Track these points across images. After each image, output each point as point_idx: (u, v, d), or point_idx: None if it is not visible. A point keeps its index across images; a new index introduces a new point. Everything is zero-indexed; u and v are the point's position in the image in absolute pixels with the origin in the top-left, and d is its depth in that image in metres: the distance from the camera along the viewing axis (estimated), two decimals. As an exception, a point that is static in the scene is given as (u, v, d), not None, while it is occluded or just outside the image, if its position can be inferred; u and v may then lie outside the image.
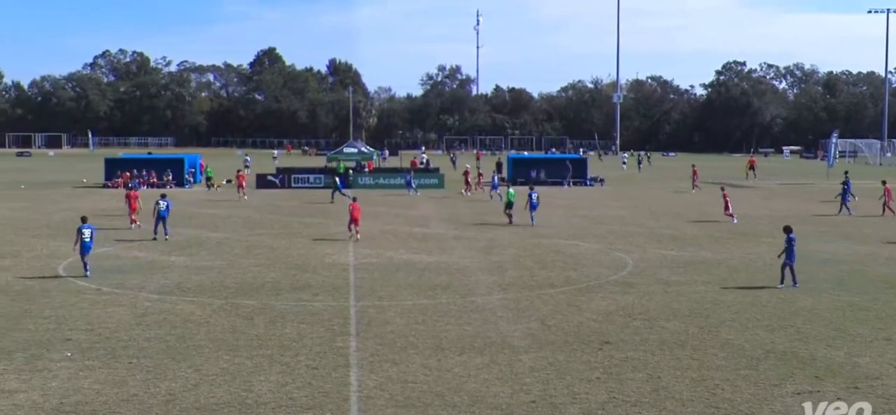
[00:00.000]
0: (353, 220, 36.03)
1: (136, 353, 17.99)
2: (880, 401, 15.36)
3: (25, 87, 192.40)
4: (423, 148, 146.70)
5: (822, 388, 15.78)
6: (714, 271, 28.19)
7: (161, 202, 35.95)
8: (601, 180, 71.93)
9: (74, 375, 16.49)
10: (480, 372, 16.78)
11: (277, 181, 66.08)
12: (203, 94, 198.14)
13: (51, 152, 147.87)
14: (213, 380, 16.19)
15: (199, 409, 14.74)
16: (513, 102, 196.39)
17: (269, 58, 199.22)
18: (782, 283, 25.13)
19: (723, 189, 45.97)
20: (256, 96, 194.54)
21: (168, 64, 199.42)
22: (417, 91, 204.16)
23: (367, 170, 71.04)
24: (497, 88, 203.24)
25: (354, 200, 37.86)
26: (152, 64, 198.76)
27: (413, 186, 61.73)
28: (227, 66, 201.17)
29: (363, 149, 78.03)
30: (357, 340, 19.22)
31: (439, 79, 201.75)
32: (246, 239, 36.32)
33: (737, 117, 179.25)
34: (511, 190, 44.09)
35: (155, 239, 35.21)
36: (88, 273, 26.74)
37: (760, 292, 24.48)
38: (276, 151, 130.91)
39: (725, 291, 24.86)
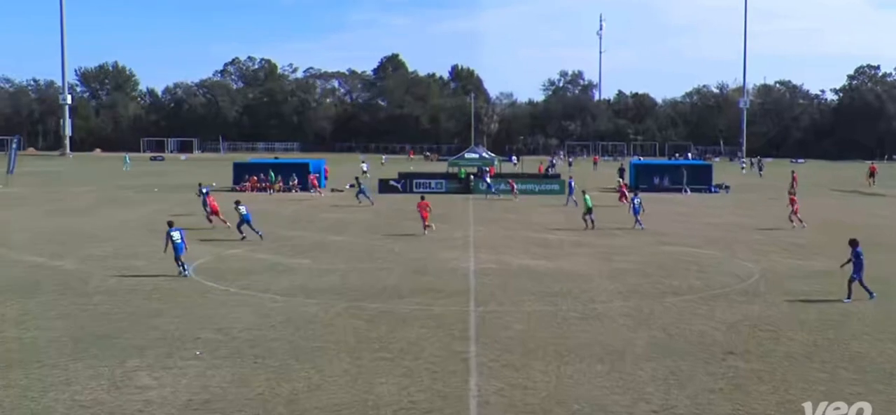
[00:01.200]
0: (424, 217, 39.48)
1: (262, 353, 18.40)
2: (881, 401, 15.00)
3: (159, 93, 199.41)
4: (562, 154, 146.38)
5: (961, 405, 15.12)
6: (844, 282, 27.24)
7: (240, 207, 37.55)
8: (726, 187, 70.40)
9: (203, 373, 16.97)
10: (601, 380, 16.62)
11: (399, 186, 66.74)
12: (328, 100, 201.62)
13: (182, 156, 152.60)
14: (335, 381, 16.44)
15: (321, 409, 14.98)
16: (636, 108, 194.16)
17: (392, 64, 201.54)
18: (849, 297, 24.00)
19: (791, 194, 44.91)
20: (379, 102, 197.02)
21: (294, 71, 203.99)
22: (539, 96, 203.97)
23: (488, 175, 71.06)
24: (620, 94, 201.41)
25: (423, 198, 41.45)
26: (279, 71, 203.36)
27: (493, 189, 62.99)
28: (352, 72, 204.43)
29: (484, 154, 78.08)
30: (477, 345, 19.25)
31: (561, 84, 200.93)
32: (368, 243, 36.80)
33: (870, 123, 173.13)
34: (587, 196, 44.09)
35: (261, 237, 36.59)
36: (187, 272, 27.66)
37: (893, 304, 23.58)
38: (384, 157, 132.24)
39: (856, 302, 24.01)
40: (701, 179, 70.17)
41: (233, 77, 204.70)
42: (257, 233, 36.99)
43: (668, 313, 22.53)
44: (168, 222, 29.17)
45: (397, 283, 26.97)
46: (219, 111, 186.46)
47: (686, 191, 67.04)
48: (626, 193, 54.36)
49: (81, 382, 16.32)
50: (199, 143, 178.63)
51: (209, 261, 31.17)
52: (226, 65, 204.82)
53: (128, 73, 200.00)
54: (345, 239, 37.94)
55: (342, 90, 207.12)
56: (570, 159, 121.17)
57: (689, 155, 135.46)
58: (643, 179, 70.21)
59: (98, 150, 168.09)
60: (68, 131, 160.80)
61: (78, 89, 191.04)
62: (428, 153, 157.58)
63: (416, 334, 20.17)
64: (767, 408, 15.04)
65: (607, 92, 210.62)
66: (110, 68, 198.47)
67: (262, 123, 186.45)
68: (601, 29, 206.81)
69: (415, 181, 68.24)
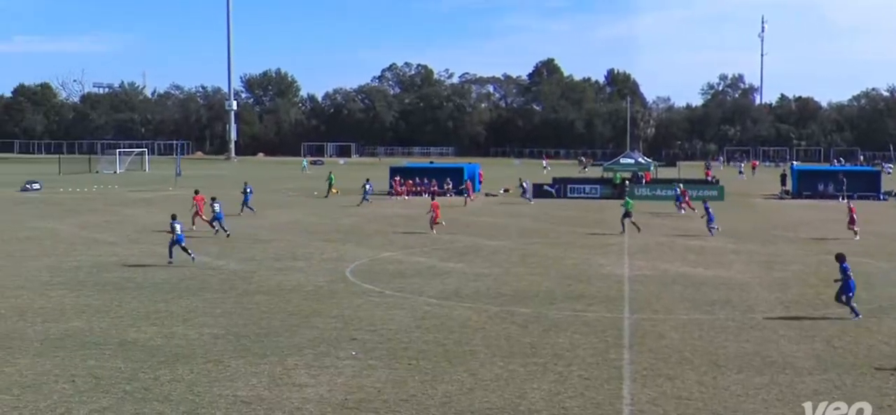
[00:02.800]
0: (435, 217, 41.70)
1: (416, 355, 18.63)
2: (881, 401, 14.93)
3: (319, 99, 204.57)
4: (721, 159, 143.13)
5: None
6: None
7: (215, 205, 40.18)
8: (896, 194, 67.26)
9: (358, 373, 17.29)
10: (759, 392, 16.14)
11: (554, 191, 66.50)
12: (483, 105, 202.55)
13: (341, 161, 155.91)
14: (487, 385, 16.49)
15: (474, 413, 15.05)
16: (799, 112, 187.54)
17: (547, 68, 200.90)
18: (858, 314, 22.24)
19: (850, 201, 42.50)
20: (534, 107, 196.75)
21: (450, 76, 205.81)
22: (697, 101, 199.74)
23: (644, 181, 70.05)
24: (782, 98, 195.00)
25: (434, 199, 45.73)
26: (435, 76, 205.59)
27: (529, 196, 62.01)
28: (507, 77, 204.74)
29: (640, 159, 76.99)
30: (631, 352, 19.00)
31: (720, 88, 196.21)
32: (521, 247, 36.80)
33: None
34: (629, 199, 43.63)
35: (228, 236, 38.78)
36: (194, 257, 31.11)
37: None
38: (545, 162, 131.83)
39: None
40: (868, 186, 67.17)
41: (390, 83, 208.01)
42: (226, 231, 39.29)
43: (832, 326, 21.67)
44: (172, 215, 32.72)
45: (550, 288, 26.88)
46: (376, 116, 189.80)
47: (842, 198, 64.20)
48: (690, 201, 53.31)
49: (243, 378, 16.88)
50: (357, 147, 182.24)
51: (365, 263, 31.79)
52: (383, 71, 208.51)
53: (290, 79, 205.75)
54: (498, 243, 38.04)
55: (497, 95, 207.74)
56: (715, 164, 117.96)
57: (838, 161, 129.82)
58: (806, 186, 67.91)
59: (261, 154, 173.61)
60: (233, 136, 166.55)
61: (243, 96, 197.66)
62: (582, 158, 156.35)
63: (569, 340, 20.05)
64: (939, 427, 14.31)
65: (769, 96, 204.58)
66: (273, 75, 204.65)
67: (418, 128, 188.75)
68: (763, 31, 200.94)
69: (569, 186, 67.90)
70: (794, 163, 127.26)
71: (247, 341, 19.70)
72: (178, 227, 31.58)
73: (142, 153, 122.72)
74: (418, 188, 67.57)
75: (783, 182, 73.52)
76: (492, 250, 35.83)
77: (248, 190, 51.07)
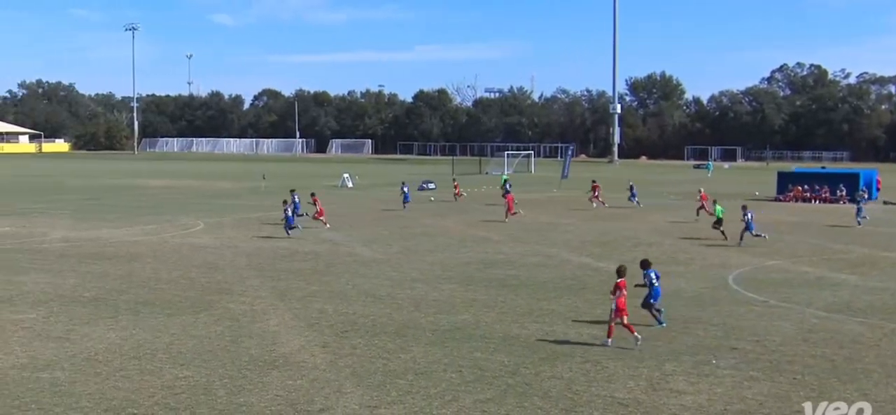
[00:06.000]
0: (509, 208, 48.17)
1: (801, 369, 17.78)
2: (880, 401, 14.39)
3: (704, 101, 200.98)
4: None
5: None
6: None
7: (294, 196, 43.54)
8: None
9: (738, 383, 16.80)
10: None
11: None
12: (883, 107, 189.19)
13: (726, 165, 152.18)
14: (881, 407, 15.40)
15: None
16: None
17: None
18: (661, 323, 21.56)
19: None
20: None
21: (847, 76, 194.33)
22: None
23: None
24: None
25: (510, 193, 51.84)
26: (830, 77, 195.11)
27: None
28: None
29: None
30: None
31: None
32: (924, 261, 33.97)
33: None
34: (719, 206, 40.65)
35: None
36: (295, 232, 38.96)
37: None
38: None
39: None
40: None
41: (780, 84, 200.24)
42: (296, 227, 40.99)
43: None
44: (293, 200, 42.11)
45: (957, 307, 24.60)
46: (764, 119, 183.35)
47: None
48: (707, 205, 48.13)
49: (620, 380, 16.98)
50: (743, 151, 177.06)
51: (748, 271, 30.81)
52: (773, 72, 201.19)
53: (674, 82, 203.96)
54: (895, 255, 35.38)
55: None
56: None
57: None
58: None
59: (643, 157, 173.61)
60: (617, 139, 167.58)
61: (627, 98, 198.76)
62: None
63: (976, 364, 18.23)
64: None
65: None
66: (657, 78, 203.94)
67: (809, 132, 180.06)
68: None
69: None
70: None
71: (625, 343, 19.77)
72: (289, 210, 39.81)
73: (528, 155, 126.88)
74: (807, 195, 64.42)
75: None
76: (890, 262, 33.36)
77: (406, 189, 55.54)
